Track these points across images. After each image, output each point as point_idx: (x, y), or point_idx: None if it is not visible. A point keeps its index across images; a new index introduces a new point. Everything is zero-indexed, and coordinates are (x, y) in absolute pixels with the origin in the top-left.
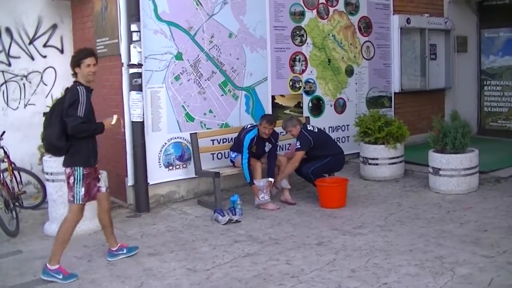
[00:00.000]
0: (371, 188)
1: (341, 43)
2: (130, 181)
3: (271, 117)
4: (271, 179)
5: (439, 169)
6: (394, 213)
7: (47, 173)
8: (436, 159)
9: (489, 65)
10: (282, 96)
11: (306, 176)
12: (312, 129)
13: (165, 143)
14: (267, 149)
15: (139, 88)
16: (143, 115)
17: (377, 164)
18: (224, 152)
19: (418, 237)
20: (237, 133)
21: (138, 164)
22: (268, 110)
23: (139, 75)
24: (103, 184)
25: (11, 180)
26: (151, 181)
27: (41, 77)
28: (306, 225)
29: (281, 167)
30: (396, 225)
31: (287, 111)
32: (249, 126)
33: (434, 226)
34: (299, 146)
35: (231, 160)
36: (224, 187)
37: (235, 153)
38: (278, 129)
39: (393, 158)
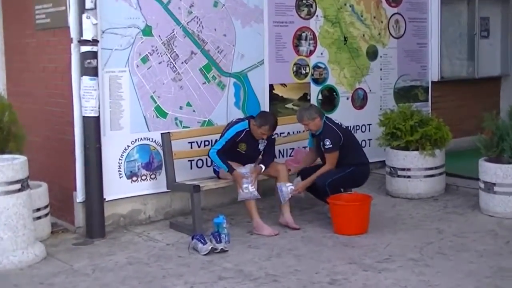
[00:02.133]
0: (401, 209)
1: (362, 16)
2: (79, 196)
3: (275, 121)
4: (262, 166)
5: (494, 184)
6: (432, 242)
7: None
8: (489, 170)
9: None
10: (283, 85)
11: (321, 189)
12: (339, 124)
13: (128, 146)
14: (261, 147)
15: (93, 72)
16: (99, 108)
17: (409, 177)
18: (206, 159)
19: (466, 276)
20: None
21: (91, 173)
22: (265, 103)
23: (94, 55)
24: None
25: None
26: (108, 196)
27: None
28: (314, 257)
29: (280, 178)
30: (436, 259)
31: (289, 105)
32: (235, 119)
33: (487, 262)
34: (331, 146)
35: (215, 170)
36: (206, 205)
37: None
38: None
39: (431, 168)
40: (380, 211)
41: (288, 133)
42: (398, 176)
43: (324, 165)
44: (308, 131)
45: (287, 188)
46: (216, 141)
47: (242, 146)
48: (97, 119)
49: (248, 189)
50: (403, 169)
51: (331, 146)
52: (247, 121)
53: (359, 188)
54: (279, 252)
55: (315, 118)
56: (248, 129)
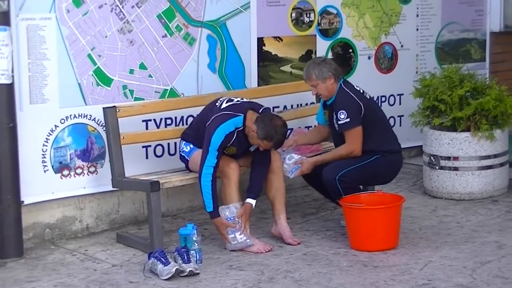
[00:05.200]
0: (445, 214)
1: None
2: None
3: (282, 136)
4: (251, 201)
5: None
6: (489, 261)
7: None
8: None
9: None
10: (278, 39)
11: (330, 185)
12: (362, 91)
13: (56, 126)
14: (252, 149)
15: (3, 19)
16: (13, 72)
17: (456, 169)
18: (169, 144)
19: None
20: (202, 110)
21: (1, 165)
22: (252, 65)
23: None
24: None
25: None
26: (27, 198)
27: None
28: (321, 283)
29: (270, 170)
30: (494, 285)
31: (287, 68)
32: (226, 103)
33: None
34: (347, 120)
35: (183, 157)
36: (169, 208)
37: (191, 145)
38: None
39: (488, 157)
40: (416, 217)
41: (285, 107)
42: (441, 168)
43: (343, 145)
44: (319, 99)
45: (290, 165)
46: (189, 120)
47: (230, 150)
48: (10, 87)
49: (236, 239)
50: (448, 158)
51: (348, 120)
52: (241, 116)
53: (386, 185)
54: (271, 275)
55: (326, 79)
56: (241, 128)
